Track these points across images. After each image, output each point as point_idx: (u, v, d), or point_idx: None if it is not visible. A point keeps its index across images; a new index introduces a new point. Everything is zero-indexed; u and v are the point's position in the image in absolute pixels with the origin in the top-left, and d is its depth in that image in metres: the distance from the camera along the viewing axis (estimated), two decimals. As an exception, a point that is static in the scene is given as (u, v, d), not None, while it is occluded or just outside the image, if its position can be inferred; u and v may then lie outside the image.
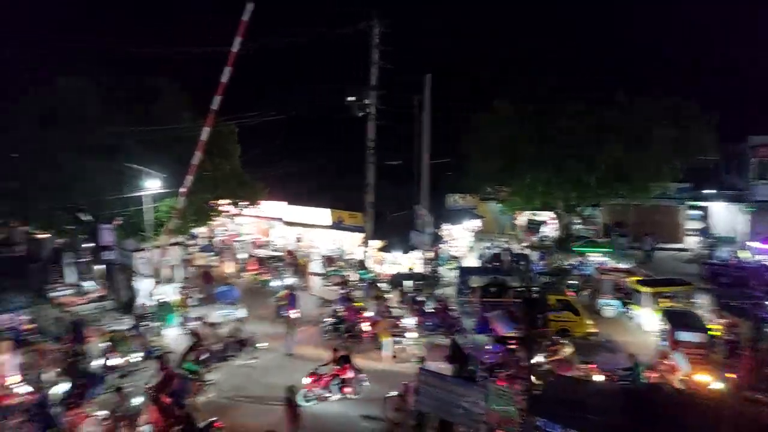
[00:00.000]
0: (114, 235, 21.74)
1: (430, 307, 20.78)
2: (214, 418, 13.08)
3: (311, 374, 15.00)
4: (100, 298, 24.72)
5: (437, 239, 26.68)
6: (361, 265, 25.53)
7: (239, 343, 18.18)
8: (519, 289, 20.14)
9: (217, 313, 20.87)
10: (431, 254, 24.55)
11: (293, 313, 19.68)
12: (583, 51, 36.88)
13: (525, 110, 28.38)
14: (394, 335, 18.31)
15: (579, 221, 33.91)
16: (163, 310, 21.10)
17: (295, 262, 26.94)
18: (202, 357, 15.35)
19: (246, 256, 28.97)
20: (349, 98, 24.46)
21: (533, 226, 32.56)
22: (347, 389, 15.10)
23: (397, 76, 24.83)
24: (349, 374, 15.15)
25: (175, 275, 24.76)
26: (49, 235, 28.89)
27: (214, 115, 21.23)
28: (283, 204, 29.98)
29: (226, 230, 33.26)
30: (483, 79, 33.58)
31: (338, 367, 15.18)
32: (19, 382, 15.04)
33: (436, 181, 24.96)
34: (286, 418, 12.66)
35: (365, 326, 19.21)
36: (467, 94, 31.40)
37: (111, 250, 21.84)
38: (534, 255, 28.34)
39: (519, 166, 28.38)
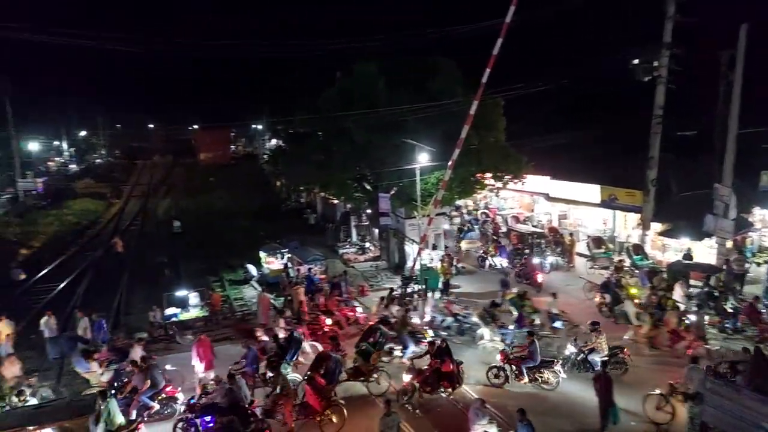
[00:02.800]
0: (390, 203, 24.04)
1: (729, 306, 17.41)
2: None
3: (409, 369, 13.82)
4: (375, 258, 27.97)
5: (744, 225, 21.95)
6: (636, 249, 22.77)
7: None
8: None
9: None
10: (732, 243, 20.37)
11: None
12: None
13: None
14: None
15: None
16: (428, 274, 22.55)
17: (559, 240, 25.63)
18: (380, 340, 14.73)
19: (505, 230, 28.85)
20: (635, 61, 21.59)
21: None
22: (447, 385, 13.51)
23: (698, 30, 20.83)
24: (451, 367, 13.49)
25: (440, 243, 26.19)
26: (339, 201, 33.89)
27: (484, 88, 21.40)
28: (547, 178, 28.65)
29: (489, 204, 33.69)
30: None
31: (438, 360, 13.63)
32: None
33: (745, 155, 20.26)
34: None
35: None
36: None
37: (387, 217, 24.22)
38: None
39: None
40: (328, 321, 18.01)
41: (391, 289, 20.65)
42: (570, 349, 15.05)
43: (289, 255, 24.97)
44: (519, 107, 26.89)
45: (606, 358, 14.19)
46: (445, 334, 17.23)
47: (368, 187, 26.57)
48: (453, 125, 22.47)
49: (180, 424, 11.97)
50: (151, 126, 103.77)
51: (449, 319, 18.07)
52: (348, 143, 24.45)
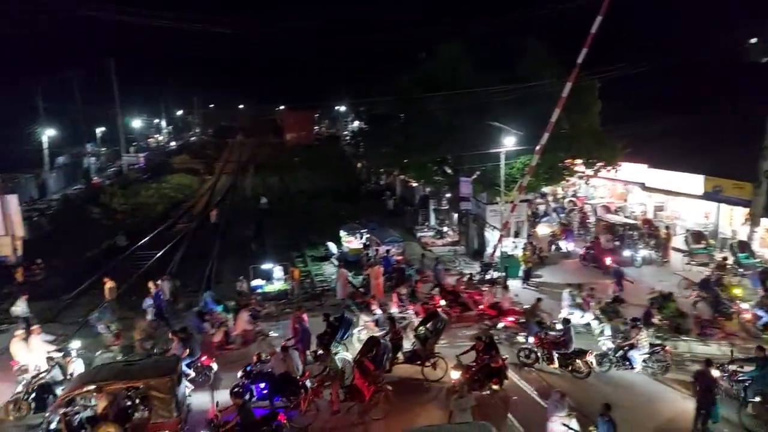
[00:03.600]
0: (471, 188, 23.54)
1: None
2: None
3: (455, 366, 13.15)
4: (454, 243, 27.62)
5: None
6: (742, 246, 20.80)
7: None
8: None
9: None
10: None
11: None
12: None
13: None
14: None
15: None
16: (509, 262, 21.96)
17: (654, 233, 23.98)
18: (438, 326, 14.41)
19: (593, 220, 27.42)
20: (752, 40, 19.44)
21: None
22: (496, 381, 12.86)
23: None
24: (500, 363, 12.91)
25: (522, 231, 25.38)
26: (418, 184, 33.75)
27: (579, 69, 20.27)
28: (644, 167, 26.78)
29: (576, 192, 32.16)
30: None
31: (486, 356, 12.98)
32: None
33: None
34: None
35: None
36: None
37: (467, 201, 23.77)
38: None
39: None
40: (442, 302, 17.78)
41: (470, 275, 20.27)
42: (608, 345, 14.54)
43: (368, 235, 25.24)
44: (616, 89, 25.27)
45: (647, 356, 13.70)
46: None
47: (449, 171, 26.20)
48: (542, 108, 21.57)
49: (236, 389, 12.53)
50: (241, 106, 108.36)
51: (588, 315, 16.36)
52: (429, 125, 24.17)
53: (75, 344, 14.81)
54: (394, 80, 26.30)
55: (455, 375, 12.70)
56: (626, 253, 22.74)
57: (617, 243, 23.46)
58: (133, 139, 63.21)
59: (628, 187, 29.30)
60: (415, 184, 34.81)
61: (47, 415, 11.39)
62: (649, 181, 26.71)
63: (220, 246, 28.57)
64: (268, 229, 32.53)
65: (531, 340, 14.72)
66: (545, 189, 29.75)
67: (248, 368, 13.09)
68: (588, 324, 16.32)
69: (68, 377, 12.97)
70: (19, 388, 12.75)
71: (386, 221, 30.47)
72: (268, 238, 30.25)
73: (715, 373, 11.90)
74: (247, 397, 12.20)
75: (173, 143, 78.04)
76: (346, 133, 73.41)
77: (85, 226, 32.57)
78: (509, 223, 22.99)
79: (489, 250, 23.78)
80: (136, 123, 67.09)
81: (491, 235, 24.20)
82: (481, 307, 17.39)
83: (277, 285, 20.82)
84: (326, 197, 41.68)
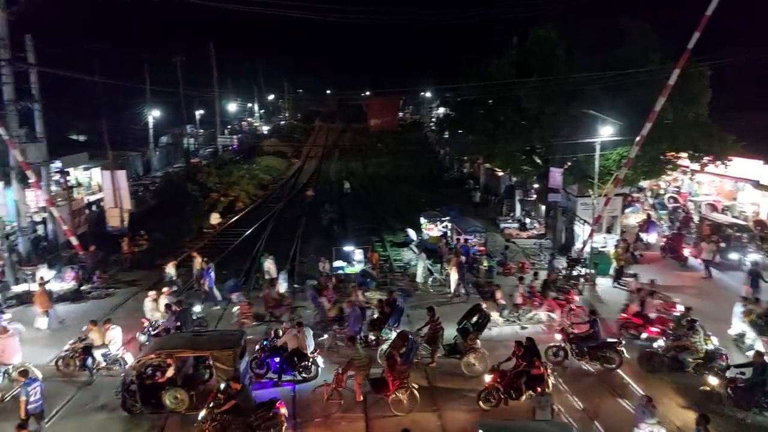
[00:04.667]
0: (561, 179, 22.48)
1: None
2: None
3: (491, 370, 12.44)
4: (540, 236, 26.61)
5: None
6: None
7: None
8: None
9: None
10: None
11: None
12: None
13: None
14: None
15: None
16: (599, 258, 20.82)
17: (765, 236, 21.75)
18: (480, 320, 14.03)
19: (697, 219, 25.29)
20: None
21: None
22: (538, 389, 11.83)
23: None
24: (541, 369, 11.97)
25: (615, 226, 23.95)
26: (504, 174, 32.78)
27: (689, 54, 18.64)
28: (759, 163, 24.23)
29: (679, 187, 29.82)
30: None
31: (524, 362, 12.10)
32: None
33: None
34: None
35: None
36: None
37: (557, 193, 22.73)
38: None
39: None
40: (577, 298, 17.38)
41: (536, 273, 19.30)
42: (659, 343, 13.82)
43: (449, 224, 24.92)
44: (730, 77, 23.00)
45: (700, 362, 12.91)
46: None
47: (538, 161, 25.18)
48: (644, 96, 20.11)
49: (254, 362, 13.05)
50: (329, 92, 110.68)
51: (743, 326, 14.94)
52: (519, 112, 23.31)
53: (197, 309, 16.19)
54: (484, 65, 25.58)
55: (488, 379, 12.20)
56: (733, 256, 20.79)
57: (723, 245, 21.52)
58: (228, 121, 66.60)
59: (738, 185, 26.68)
60: (500, 173, 33.87)
61: (123, 374, 12.37)
62: (765, 178, 24.15)
63: (305, 227, 29.48)
64: (349, 212, 33.11)
65: (559, 336, 14.29)
66: (643, 183, 27.81)
67: (264, 343, 13.67)
68: (740, 337, 14.84)
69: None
70: (66, 347, 13.89)
71: (468, 210, 29.95)
72: (350, 221, 30.79)
73: None
74: (263, 370, 13.02)
75: (264, 127, 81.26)
76: (430, 119, 72.92)
77: (184, 203, 34.81)
78: (601, 217, 21.74)
79: (578, 245, 22.67)
80: (232, 107, 70.49)
81: (581, 230, 23.04)
82: (624, 315, 15.99)
83: (357, 267, 21.13)
84: (407, 183, 41.69)
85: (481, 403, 11.92)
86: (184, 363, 12.24)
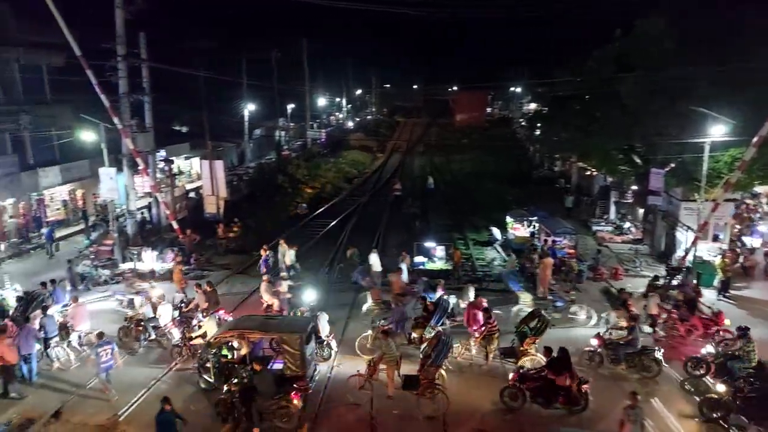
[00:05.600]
0: (663, 181, 20.88)
1: None
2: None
3: (516, 372, 12.17)
4: (636, 241, 24.92)
5: None
6: None
7: None
8: None
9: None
10: None
11: None
12: None
13: None
14: None
15: None
16: (703, 268, 19.13)
17: None
18: (538, 325, 13.59)
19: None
20: None
21: None
22: (563, 401, 11.42)
23: None
24: (567, 383, 11.39)
25: (725, 234, 21.92)
26: (598, 173, 31.04)
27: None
28: None
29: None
30: None
31: (552, 372, 11.55)
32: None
33: None
34: None
35: None
36: None
37: (657, 196, 21.14)
38: None
39: None
40: (728, 321, 15.28)
41: (656, 278, 17.96)
42: (707, 349, 13.17)
43: (537, 224, 23.98)
44: None
45: (751, 371, 11.80)
46: None
47: (637, 161, 23.57)
48: (763, 93, 18.09)
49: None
50: (415, 87, 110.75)
51: None
52: (618, 109, 21.90)
53: (310, 296, 16.64)
54: (582, 59, 24.31)
55: (510, 376, 12.14)
56: None
57: None
58: (317, 116, 68.49)
59: None
60: (594, 173, 32.12)
61: (200, 352, 13.09)
62: None
63: (388, 220, 29.65)
64: (432, 208, 32.88)
65: (594, 342, 13.67)
66: (758, 188, 25.22)
67: None
68: None
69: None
70: (130, 312, 15.54)
71: (558, 210, 28.68)
72: (432, 218, 30.56)
73: None
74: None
75: (350, 123, 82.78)
76: (520, 115, 70.77)
77: (274, 193, 36.27)
78: (708, 224, 19.95)
79: (679, 252, 20.98)
80: (321, 101, 72.40)
81: (683, 236, 21.29)
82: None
83: (438, 264, 20.90)
84: (493, 181, 40.70)
85: (507, 400, 11.83)
86: (254, 344, 12.86)
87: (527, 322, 13.83)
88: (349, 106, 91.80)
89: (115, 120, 21.48)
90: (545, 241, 22.54)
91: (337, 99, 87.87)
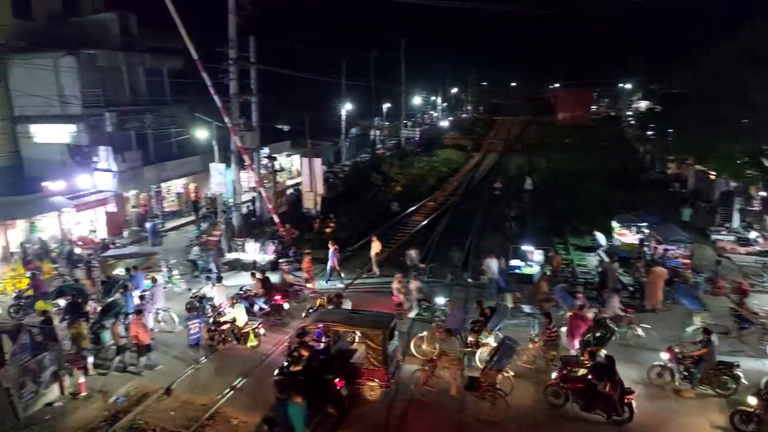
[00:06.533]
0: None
1: None
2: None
3: (559, 372, 12.03)
4: (763, 253, 22.27)
5: None
6: None
7: None
8: None
9: None
10: None
11: None
12: None
13: None
14: None
15: None
16: None
17: None
18: (604, 335, 13.14)
19: None
20: None
21: None
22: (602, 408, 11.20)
23: None
24: (607, 390, 11.04)
25: None
26: (720, 177, 28.12)
27: None
28: None
29: None
30: None
31: (594, 377, 11.30)
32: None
33: None
34: None
35: None
36: None
37: (793, 203, 18.72)
38: None
39: None
40: None
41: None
42: None
43: (647, 230, 22.18)
44: None
45: None
46: None
47: (767, 164, 21.03)
48: None
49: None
50: (513, 84, 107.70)
51: None
52: (745, 107, 19.64)
53: (440, 300, 16.59)
54: (699, 53, 22.16)
55: (553, 375, 12.13)
56: None
57: None
58: (412, 114, 68.68)
59: None
60: (714, 176, 29.15)
61: (286, 338, 13.76)
62: None
63: (481, 221, 28.96)
64: (530, 210, 31.66)
65: (665, 356, 12.73)
66: None
67: (310, 310, 15.45)
68: None
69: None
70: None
71: (670, 216, 26.36)
72: (530, 220, 29.40)
73: None
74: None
75: (444, 122, 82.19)
76: (629, 113, 66.29)
77: (368, 190, 36.81)
78: None
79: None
80: (416, 100, 72.53)
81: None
82: None
83: (536, 268, 20.00)
84: (597, 183, 38.36)
85: (550, 398, 11.92)
86: (338, 336, 13.13)
87: (594, 332, 13.34)
88: (445, 104, 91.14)
89: (226, 119, 22.80)
90: (655, 249, 20.80)
91: (432, 97, 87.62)
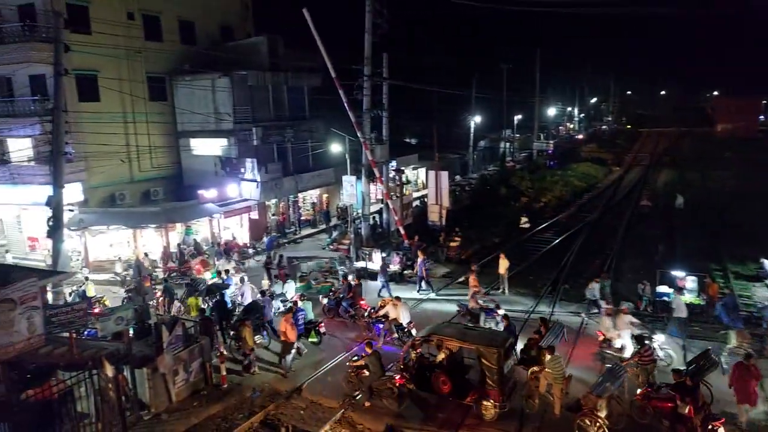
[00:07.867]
0: None
1: None
2: None
3: (644, 389, 11.72)
4: None
5: None
6: None
7: None
8: None
9: None
10: None
11: None
12: None
13: None
14: None
15: None
16: None
17: None
18: (703, 363, 12.15)
19: None
20: None
21: None
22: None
23: None
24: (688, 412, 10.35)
25: None
26: None
27: None
28: None
29: None
30: None
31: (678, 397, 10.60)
32: None
33: None
34: None
35: None
36: None
37: None
38: None
39: None
40: None
41: None
42: None
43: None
44: None
45: None
46: None
47: None
48: None
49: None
50: (663, 92, 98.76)
51: None
52: None
53: (659, 338, 14.31)
54: None
55: (638, 391, 11.76)
56: None
57: None
58: (545, 126, 65.80)
59: None
60: None
61: (402, 351, 13.33)
62: None
63: (622, 242, 26.54)
64: (681, 231, 28.35)
65: None
66: None
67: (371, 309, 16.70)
68: None
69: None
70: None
71: None
72: (680, 241, 26.29)
73: None
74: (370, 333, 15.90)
75: (580, 135, 77.60)
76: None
77: (495, 204, 35.70)
78: None
79: None
80: (550, 111, 69.42)
81: None
82: None
83: (689, 297, 17.66)
84: (766, 202, 33.28)
85: (634, 413, 11.55)
86: (452, 351, 12.70)
87: (697, 362, 12.51)
88: (582, 115, 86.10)
89: (359, 133, 23.56)
90: None
91: (569, 108, 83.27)
